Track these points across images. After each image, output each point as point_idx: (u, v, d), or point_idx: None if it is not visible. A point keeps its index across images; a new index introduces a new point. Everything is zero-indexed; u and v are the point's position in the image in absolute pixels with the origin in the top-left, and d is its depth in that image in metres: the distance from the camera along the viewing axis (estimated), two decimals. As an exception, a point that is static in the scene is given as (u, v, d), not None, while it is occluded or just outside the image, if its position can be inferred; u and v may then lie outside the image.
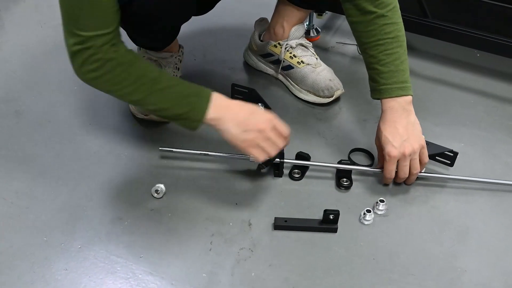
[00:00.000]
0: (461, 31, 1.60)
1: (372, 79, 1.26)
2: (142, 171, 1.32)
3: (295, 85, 1.55)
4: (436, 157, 1.33)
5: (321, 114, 1.51)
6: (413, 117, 1.24)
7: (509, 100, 1.61)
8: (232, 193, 1.28)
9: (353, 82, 1.62)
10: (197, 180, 1.30)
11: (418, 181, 1.32)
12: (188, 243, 1.17)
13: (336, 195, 1.29)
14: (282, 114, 1.47)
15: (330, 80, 1.50)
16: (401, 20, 1.22)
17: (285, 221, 1.21)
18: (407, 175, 1.26)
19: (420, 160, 1.25)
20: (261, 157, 1.15)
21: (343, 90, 1.52)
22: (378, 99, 1.26)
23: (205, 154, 1.29)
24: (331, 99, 1.51)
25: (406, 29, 1.24)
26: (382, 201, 1.25)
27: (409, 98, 1.23)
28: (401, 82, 1.22)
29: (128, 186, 1.28)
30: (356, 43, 1.76)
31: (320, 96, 1.51)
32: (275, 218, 1.21)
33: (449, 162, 1.33)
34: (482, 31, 1.59)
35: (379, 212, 1.25)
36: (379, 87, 1.24)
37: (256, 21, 1.64)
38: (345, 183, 1.30)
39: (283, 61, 1.56)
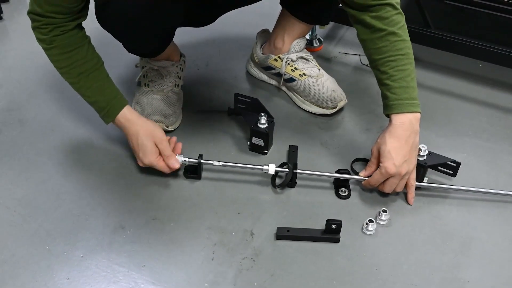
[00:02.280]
0: (463, 41, 1.61)
1: (383, 96, 1.26)
2: (146, 180, 1.32)
3: (298, 96, 1.56)
4: (439, 168, 1.33)
5: (324, 124, 1.52)
6: (418, 138, 1.24)
7: (512, 111, 1.61)
8: (235, 202, 1.28)
9: (356, 92, 1.63)
10: (199, 189, 1.30)
11: (421, 191, 1.32)
12: (190, 253, 1.17)
13: (338, 205, 1.29)
14: (285, 123, 1.50)
15: (333, 91, 1.50)
16: (409, 38, 1.23)
17: (288, 230, 1.21)
18: (391, 191, 1.26)
19: (407, 182, 1.27)
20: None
21: (346, 101, 1.52)
22: (388, 114, 1.25)
23: (210, 164, 1.29)
24: (335, 110, 1.51)
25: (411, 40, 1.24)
26: (384, 211, 1.25)
27: (419, 115, 1.23)
28: (412, 98, 1.22)
29: (131, 196, 1.28)
30: (358, 53, 1.80)
31: (324, 107, 1.51)
32: (277, 228, 1.21)
33: (452, 172, 1.32)
34: (484, 42, 1.60)
35: (381, 222, 1.25)
36: (390, 103, 1.23)
37: (258, 33, 1.64)
38: (343, 194, 1.30)
39: (285, 74, 1.56)
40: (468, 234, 1.24)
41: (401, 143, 1.22)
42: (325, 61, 1.76)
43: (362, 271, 1.15)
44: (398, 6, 1.21)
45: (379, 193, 1.32)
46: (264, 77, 1.64)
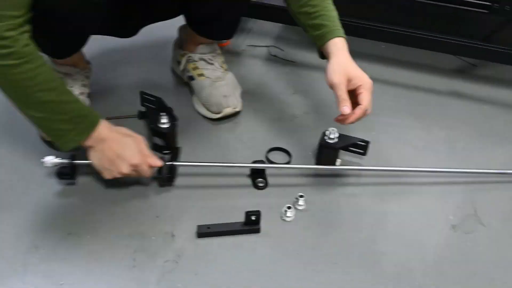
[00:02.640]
0: (366, 25, 1.66)
1: (319, 26, 1.25)
2: (54, 194, 1.27)
3: (195, 95, 1.54)
4: (350, 148, 1.37)
5: (237, 118, 1.52)
6: None
7: (414, 87, 1.68)
8: (152, 206, 1.26)
9: (265, 83, 1.65)
10: (114, 198, 1.28)
11: (335, 173, 1.35)
12: (110, 263, 1.14)
13: (256, 196, 1.30)
14: (197, 118, 1.49)
15: (224, 96, 1.48)
16: None
17: (208, 227, 1.21)
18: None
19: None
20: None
21: (235, 109, 1.49)
22: (328, 40, 1.24)
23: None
24: (219, 116, 1.48)
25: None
26: (301, 196, 1.27)
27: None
28: (340, 26, 1.26)
29: (41, 213, 1.23)
30: (267, 45, 1.82)
31: (209, 111, 1.49)
32: (197, 226, 1.21)
33: (362, 151, 1.37)
34: (385, 24, 1.65)
35: (299, 208, 1.27)
36: (331, 29, 1.24)
37: (180, 27, 1.61)
38: (260, 184, 1.32)
39: (187, 71, 1.55)
40: (381, 209, 1.29)
41: (352, 63, 1.24)
42: (233, 55, 1.77)
43: (285, 258, 1.17)
44: None
45: (295, 179, 1.33)
46: (180, 72, 1.62)
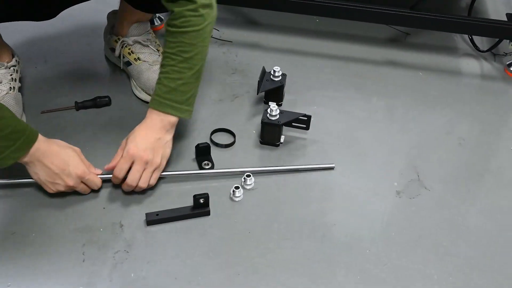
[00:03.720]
0: (295, 0, 1.65)
1: (155, 87, 1.22)
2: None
3: (133, 81, 1.51)
4: (293, 124, 1.38)
5: (177, 102, 1.50)
6: (169, 138, 1.23)
7: (352, 59, 1.70)
8: (98, 198, 1.24)
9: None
10: (55, 194, 1.24)
11: (282, 146, 1.36)
12: (59, 259, 1.11)
13: (204, 179, 1.30)
14: (137, 104, 1.46)
15: None
16: (204, 45, 1.20)
17: (157, 214, 1.20)
18: (135, 183, 1.20)
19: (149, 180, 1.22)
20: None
21: None
22: (150, 108, 1.22)
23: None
24: None
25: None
26: (248, 175, 1.27)
27: (174, 119, 1.21)
28: (177, 102, 1.20)
29: (-18, 214, 1.19)
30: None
31: (150, 95, 1.45)
32: (146, 214, 1.19)
33: (305, 126, 1.38)
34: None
35: (247, 187, 1.27)
36: (154, 97, 1.21)
37: (108, 14, 1.57)
38: (206, 166, 1.31)
39: (123, 57, 1.51)
40: (328, 180, 1.31)
41: (149, 133, 1.20)
42: (169, 39, 1.74)
43: (236, 238, 1.18)
44: (204, 8, 1.16)
45: (241, 159, 1.33)
46: (115, 59, 1.58)
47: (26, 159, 1.13)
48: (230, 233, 1.18)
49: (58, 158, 1.16)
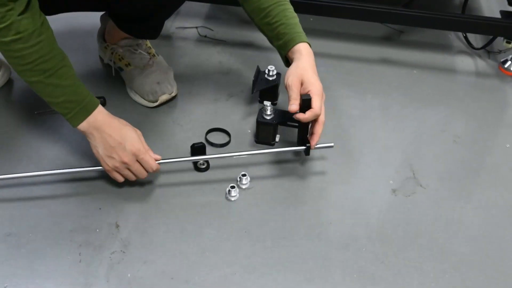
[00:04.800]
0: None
1: (281, 35, 1.27)
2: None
3: (127, 85, 1.50)
4: (287, 123, 1.37)
5: (173, 101, 1.50)
6: None
7: (345, 57, 1.70)
8: (94, 199, 1.23)
9: (198, 64, 1.63)
10: (52, 193, 1.24)
11: (277, 145, 1.36)
12: (55, 260, 1.11)
13: (199, 178, 1.30)
14: (133, 105, 1.46)
15: (157, 83, 1.44)
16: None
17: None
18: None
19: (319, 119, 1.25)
20: (120, 180, 1.21)
21: (172, 94, 1.47)
22: (292, 47, 1.26)
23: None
24: (156, 104, 1.45)
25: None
26: (244, 175, 1.27)
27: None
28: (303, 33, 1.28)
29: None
30: (195, 26, 1.79)
31: (146, 100, 1.46)
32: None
33: (297, 124, 1.38)
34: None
35: (243, 186, 1.28)
36: (292, 37, 1.26)
37: (101, 16, 1.55)
38: (202, 166, 1.31)
39: (114, 63, 1.50)
40: (322, 180, 1.31)
41: (314, 69, 1.24)
42: (162, 39, 1.73)
43: (233, 237, 1.18)
44: None
45: (236, 159, 1.33)
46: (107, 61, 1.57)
47: (84, 128, 1.15)
48: (226, 232, 1.18)
49: (116, 132, 1.16)
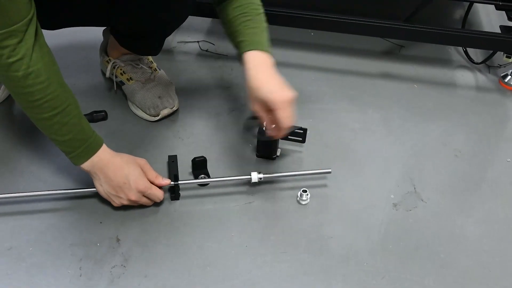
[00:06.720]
0: (293, 14, 1.66)
1: (239, 43, 1.21)
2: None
3: (129, 99, 1.51)
4: (289, 137, 1.38)
5: (174, 115, 1.50)
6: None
7: (346, 71, 1.71)
8: (94, 213, 1.23)
9: (199, 78, 1.64)
10: (53, 207, 1.24)
11: (279, 159, 1.37)
12: (56, 274, 1.11)
13: (199, 192, 1.30)
14: (134, 119, 1.46)
15: (159, 97, 1.45)
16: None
17: None
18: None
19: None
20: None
21: (173, 109, 1.47)
22: (245, 53, 1.18)
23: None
24: (157, 118, 1.46)
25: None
26: (305, 191, 1.28)
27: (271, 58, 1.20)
28: (267, 45, 1.20)
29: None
30: (196, 40, 1.80)
31: (147, 114, 1.46)
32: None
33: (301, 139, 1.38)
34: (313, 12, 1.67)
35: (303, 202, 1.28)
36: (248, 42, 1.19)
37: (104, 30, 1.57)
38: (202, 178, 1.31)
39: (116, 77, 1.51)
40: (324, 193, 1.31)
41: (272, 71, 1.18)
42: (164, 53, 1.74)
43: (233, 251, 1.17)
44: None
45: (236, 173, 1.34)
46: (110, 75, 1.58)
47: (88, 168, 1.15)
48: (226, 247, 1.18)
49: (120, 172, 1.16)
